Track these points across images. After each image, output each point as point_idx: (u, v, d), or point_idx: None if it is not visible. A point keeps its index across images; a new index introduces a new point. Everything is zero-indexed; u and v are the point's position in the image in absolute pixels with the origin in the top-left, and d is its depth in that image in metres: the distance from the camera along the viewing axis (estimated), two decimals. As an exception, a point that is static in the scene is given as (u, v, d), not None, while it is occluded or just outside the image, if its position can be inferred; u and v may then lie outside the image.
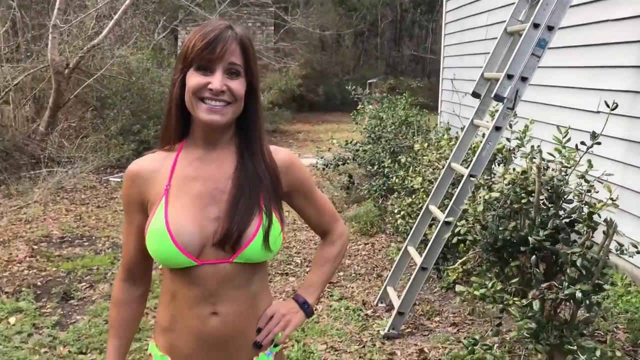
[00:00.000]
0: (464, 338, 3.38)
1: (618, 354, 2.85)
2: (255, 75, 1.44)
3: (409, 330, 3.87)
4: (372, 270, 5.03)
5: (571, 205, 3.03)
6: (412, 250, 4.11)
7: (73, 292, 4.60)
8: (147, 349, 1.70)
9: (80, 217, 6.77)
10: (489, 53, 4.15)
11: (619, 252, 2.91)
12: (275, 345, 1.55)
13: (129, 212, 1.49)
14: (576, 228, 2.98)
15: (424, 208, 4.17)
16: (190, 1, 14.87)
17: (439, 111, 9.66)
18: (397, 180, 5.15)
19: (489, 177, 3.47)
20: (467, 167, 3.74)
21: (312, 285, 1.64)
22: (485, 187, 3.16)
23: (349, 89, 8.85)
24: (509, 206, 3.06)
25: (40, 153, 8.87)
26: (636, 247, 2.88)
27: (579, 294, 2.73)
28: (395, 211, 4.83)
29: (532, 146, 3.17)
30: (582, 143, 2.93)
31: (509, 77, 3.60)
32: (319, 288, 1.65)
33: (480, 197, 3.13)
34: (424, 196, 4.35)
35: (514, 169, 3.15)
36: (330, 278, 1.71)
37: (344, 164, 7.51)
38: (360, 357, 3.55)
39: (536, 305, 2.85)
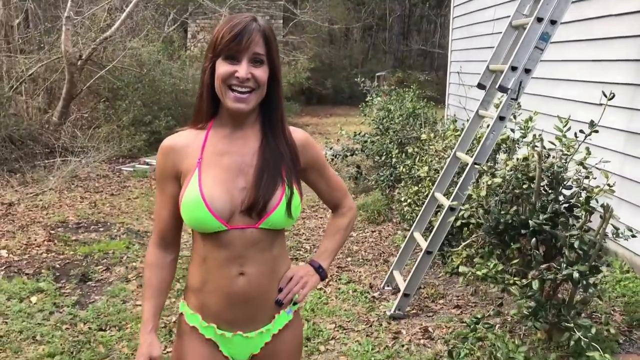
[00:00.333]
0: (467, 318, 3.55)
1: (612, 331, 3.02)
2: (276, 64, 1.60)
3: (414, 311, 4.04)
4: (379, 256, 5.20)
5: (570, 191, 3.19)
6: (417, 236, 4.27)
7: (91, 274, 4.78)
8: (173, 310, 1.85)
9: (95, 204, 6.96)
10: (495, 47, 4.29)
11: (614, 235, 3.07)
12: (294, 304, 1.73)
13: (162, 183, 1.66)
14: (575, 212, 3.13)
15: (429, 196, 4.32)
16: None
17: (446, 104, 9.80)
18: (404, 169, 5.31)
19: (492, 164, 3.61)
20: (471, 156, 3.89)
21: (325, 252, 1.82)
22: (489, 174, 3.32)
23: (358, 81, 8.99)
24: (510, 191, 3.21)
25: (54, 143, 9.07)
26: (631, 230, 3.04)
27: (576, 275, 2.89)
28: (402, 199, 5.00)
29: (534, 134, 3.32)
30: (581, 131, 3.08)
31: (513, 69, 3.74)
32: (331, 255, 1.83)
33: (483, 183, 3.29)
34: (430, 184, 4.51)
35: (516, 157, 3.31)
36: (341, 246, 1.89)
37: (352, 155, 7.69)
38: (367, 335, 3.73)
39: (535, 284, 3.01)
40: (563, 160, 3.20)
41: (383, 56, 24.09)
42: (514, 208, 3.16)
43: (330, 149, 7.69)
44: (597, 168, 3.07)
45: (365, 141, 7.17)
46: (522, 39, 3.78)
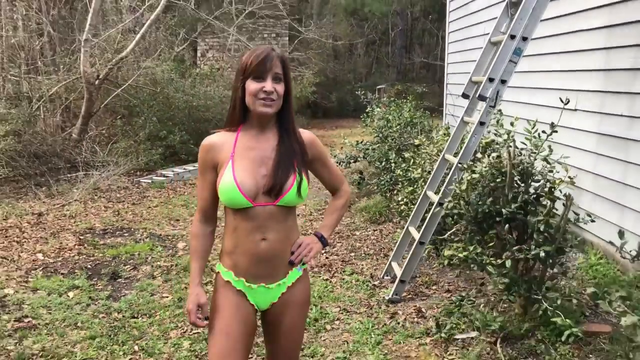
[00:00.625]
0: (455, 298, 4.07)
1: (574, 301, 3.53)
2: (289, 81, 2.16)
3: (409, 296, 4.56)
4: (379, 251, 5.73)
5: (538, 184, 3.71)
6: (412, 230, 4.80)
7: (120, 273, 5.31)
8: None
9: (118, 212, 7.54)
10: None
11: (575, 220, 3.59)
12: (303, 264, 2.27)
13: (204, 172, 2.20)
14: (541, 201, 3.65)
15: (422, 194, 4.86)
16: (208, 14, 15.69)
17: (444, 113, 10.33)
18: (400, 172, 5.86)
19: (472, 162, 4.13)
20: (456, 157, 4.42)
21: (326, 226, 2.39)
22: (469, 170, 3.85)
23: (359, 94, 9.56)
24: (487, 185, 3.74)
25: (76, 158, 9.67)
26: (590, 216, 3.56)
27: (542, 254, 3.42)
28: (399, 199, 5.54)
29: (507, 135, 3.85)
30: (544, 132, 3.62)
31: (491, 80, 4.28)
32: (331, 228, 2.39)
33: (464, 178, 3.83)
34: (423, 184, 5.04)
35: (491, 155, 3.84)
36: (339, 221, 2.44)
37: (355, 162, 8.25)
38: (368, 316, 4.25)
39: (508, 263, 3.54)
40: (532, 157, 3.73)
41: (386, 69, 24.64)
42: (490, 199, 3.68)
43: (334, 157, 8.23)
44: (559, 162, 3.58)
45: (367, 149, 7.72)
46: (497, 54, 4.32)
